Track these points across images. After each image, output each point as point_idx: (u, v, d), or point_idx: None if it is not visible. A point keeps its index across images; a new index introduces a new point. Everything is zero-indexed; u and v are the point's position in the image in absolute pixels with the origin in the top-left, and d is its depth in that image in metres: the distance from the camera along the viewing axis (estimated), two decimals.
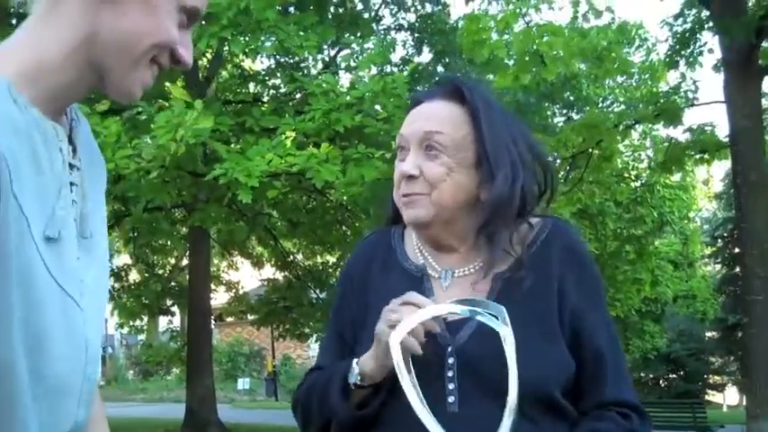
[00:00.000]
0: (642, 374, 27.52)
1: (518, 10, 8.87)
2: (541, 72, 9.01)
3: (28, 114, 1.04)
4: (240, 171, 7.68)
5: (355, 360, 1.56)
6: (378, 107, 8.89)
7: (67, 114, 1.16)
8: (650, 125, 14.18)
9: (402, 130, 1.70)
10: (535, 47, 8.45)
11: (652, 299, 21.53)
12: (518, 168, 1.62)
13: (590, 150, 11.52)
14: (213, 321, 18.00)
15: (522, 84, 10.01)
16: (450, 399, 1.49)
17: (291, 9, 10.79)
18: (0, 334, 1.01)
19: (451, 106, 1.68)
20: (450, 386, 1.51)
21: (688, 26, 10.60)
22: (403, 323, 1.47)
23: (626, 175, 17.20)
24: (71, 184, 1.11)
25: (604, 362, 1.55)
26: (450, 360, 1.53)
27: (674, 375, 27.61)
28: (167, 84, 13.00)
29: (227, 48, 9.63)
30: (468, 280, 1.61)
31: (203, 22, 8.32)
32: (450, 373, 1.52)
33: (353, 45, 12.52)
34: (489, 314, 1.47)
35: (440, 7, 13.51)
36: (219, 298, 19.67)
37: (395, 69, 10.45)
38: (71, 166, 1.12)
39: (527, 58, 8.63)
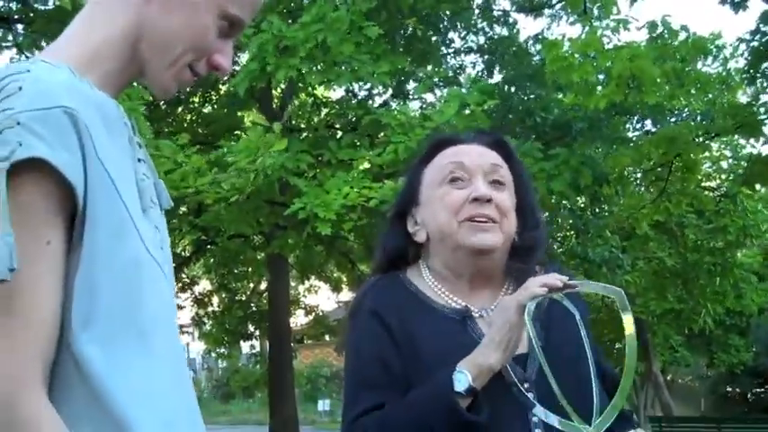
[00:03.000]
0: (729, 389, 26.71)
1: (597, 33, 8.81)
2: (638, 95, 8.92)
3: (95, 92, 1.10)
4: (318, 206, 7.77)
5: (457, 368, 1.52)
6: None
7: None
8: (730, 136, 13.83)
9: (460, 158, 1.68)
10: (630, 71, 8.38)
11: (736, 312, 20.93)
12: (544, 223, 1.78)
13: (671, 163, 11.29)
14: (293, 344, 18.25)
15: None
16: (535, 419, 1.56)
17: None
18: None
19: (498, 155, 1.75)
20: (534, 419, 1.56)
21: (765, 40, 10.32)
22: (531, 295, 1.52)
23: (705, 186, 16.81)
24: (139, 159, 1.16)
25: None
26: (530, 395, 1.56)
27: (762, 389, 26.73)
28: (239, 113, 13.34)
29: (302, 82, 9.75)
30: None
31: (278, 55, 8.46)
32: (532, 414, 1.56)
33: (423, 73, 12.60)
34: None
35: (510, 28, 13.46)
36: (298, 320, 19.96)
37: (464, 90, 10.43)
38: (137, 144, 1.18)
39: (617, 84, 8.55)
